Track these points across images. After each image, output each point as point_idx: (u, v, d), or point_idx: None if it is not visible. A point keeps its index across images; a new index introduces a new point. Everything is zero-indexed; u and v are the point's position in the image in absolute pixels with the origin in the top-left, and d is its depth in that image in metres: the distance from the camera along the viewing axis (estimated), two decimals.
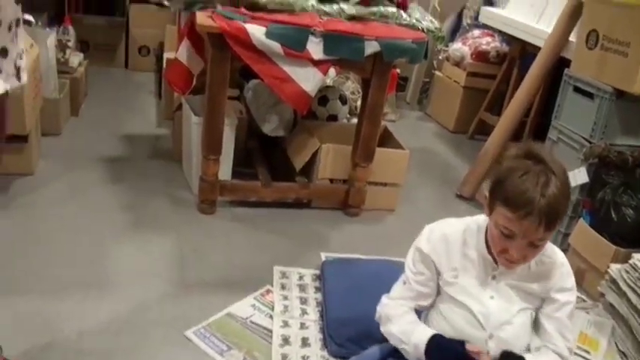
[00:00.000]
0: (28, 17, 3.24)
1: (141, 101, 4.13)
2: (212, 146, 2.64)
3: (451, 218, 1.65)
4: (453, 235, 1.57)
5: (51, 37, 3.33)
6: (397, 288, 1.66)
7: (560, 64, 3.30)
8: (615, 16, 2.74)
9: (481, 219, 1.56)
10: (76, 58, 3.81)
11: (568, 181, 1.39)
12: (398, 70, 4.05)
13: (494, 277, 1.53)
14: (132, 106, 4.00)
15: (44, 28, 3.64)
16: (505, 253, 1.42)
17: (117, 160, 3.16)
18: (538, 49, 3.50)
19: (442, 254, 1.56)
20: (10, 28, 1.57)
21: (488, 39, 4.46)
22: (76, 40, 4.00)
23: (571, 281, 1.56)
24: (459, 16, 5.32)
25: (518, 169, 1.36)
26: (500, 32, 4.38)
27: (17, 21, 1.61)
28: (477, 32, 4.57)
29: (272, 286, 2.28)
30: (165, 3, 2.63)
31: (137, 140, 3.46)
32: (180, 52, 2.83)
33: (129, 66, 4.79)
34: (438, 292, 1.61)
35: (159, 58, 4.47)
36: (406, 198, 3.19)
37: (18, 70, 1.65)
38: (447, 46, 4.77)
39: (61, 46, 3.62)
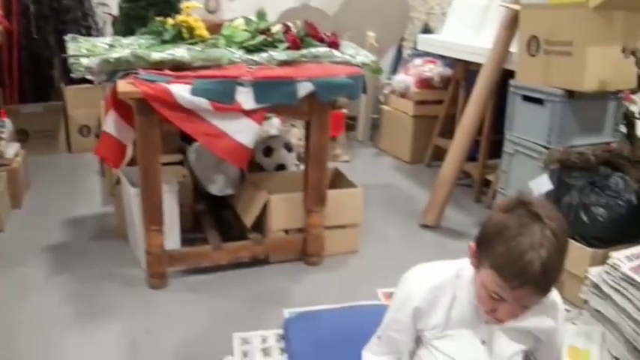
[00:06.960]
0: None
1: (85, 182, 3.96)
2: (152, 216, 2.47)
3: (439, 262, 1.45)
4: (444, 288, 1.37)
5: None
6: (375, 346, 1.50)
7: (505, 77, 3.22)
8: (553, 18, 2.72)
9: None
10: (11, 149, 3.64)
11: (566, 238, 1.21)
12: (345, 111, 3.96)
13: (486, 322, 1.35)
14: (76, 189, 3.81)
15: None
16: (494, 312, 1.26)
17: (63, 248, 2.95)
18: (481, 66, 3.39)
19: (430, 307, 1.37)
20: None
21: (430, 65, 4.41)
22: (13, 131, 3.84)
23: (562, 317, 1.43)
24: (399, 50, 5.32)
25: (510, 229, 1.17)
26: (441, 57, 4.33)
27: None
28: (418, 61, 4.53)
29: (232, 356, 2.08)
30: (89, 77, 2.49)
31: (83, 223, 3.26)
32: (108, 125, 2.67)
33: (72, 149, 4.63)
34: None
35: (99, 135, 4.28)
36: (370, 236, 3.06)
37: None
38: (389, 78, 4.73)
39: None
